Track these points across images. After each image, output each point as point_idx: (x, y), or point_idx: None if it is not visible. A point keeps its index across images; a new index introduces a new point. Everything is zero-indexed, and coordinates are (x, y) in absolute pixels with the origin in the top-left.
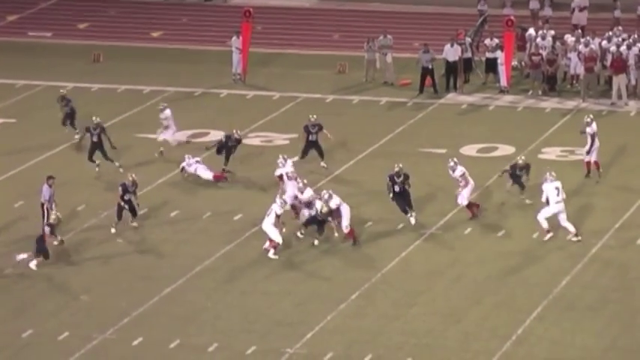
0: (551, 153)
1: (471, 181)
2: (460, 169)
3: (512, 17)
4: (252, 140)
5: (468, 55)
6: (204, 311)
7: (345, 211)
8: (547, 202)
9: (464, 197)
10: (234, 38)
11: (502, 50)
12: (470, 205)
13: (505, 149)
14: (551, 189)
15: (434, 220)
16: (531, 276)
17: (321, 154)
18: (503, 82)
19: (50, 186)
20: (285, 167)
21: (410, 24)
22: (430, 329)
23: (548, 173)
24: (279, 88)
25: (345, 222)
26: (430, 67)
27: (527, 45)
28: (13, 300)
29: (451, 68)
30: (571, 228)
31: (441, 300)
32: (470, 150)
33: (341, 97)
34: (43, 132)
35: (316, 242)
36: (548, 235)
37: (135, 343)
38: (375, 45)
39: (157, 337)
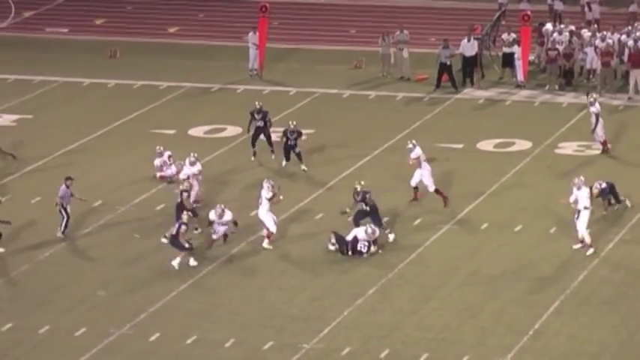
0: (567, 148)
1: (428, 167)
2: (417, 152)
3: (528, 12)
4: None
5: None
6: (220, 307)
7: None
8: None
9: (430, 184)
10: (250, 34)
11: (519, 45)
12: (438, 191)
13: (522, 144)
14: (583, 195)
15: (450, 216)
16: (548, 271)
17: (300, 158)
18: (520, 76)
19: (67, 187)
20: None
21: (426, 19)
22: (446, 324)
23: (577, 179)
24: (296, 84)
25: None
26: (448, 63)
27: (544, 40)
28: (30, 296)
29: (468, 63)
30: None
31: (458, 295)
32: (487, 145)
33: (357, 93)
34: (59, 128)
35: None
36: (590, 250)
37: (152, 338)
38: (389, 40)
39: (174, 333)
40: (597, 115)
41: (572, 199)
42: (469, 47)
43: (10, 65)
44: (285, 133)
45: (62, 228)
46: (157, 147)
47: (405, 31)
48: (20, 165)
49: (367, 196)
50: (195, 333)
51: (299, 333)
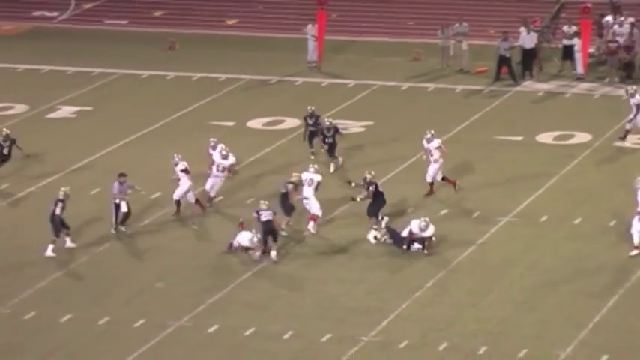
0: (626, 141)
1: (441, 160)
2: (437, 142)
3: (588, 4)
4: None
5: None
6: (279, 298)
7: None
8: None
9: (429, 175)
10: (309, 26)
11: (579, 37)
12: (432, 185)
13: (581, 137)
14: None
15: (509, 208)
16: (607, 263)
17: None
18: (580, 69)
19: (121, 183)
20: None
21: (485, 11)
22: (505, 317)
23: (638, 180)
24: (355, 76)
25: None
26: (507, 55)
27: (604, 32)
28: (89, 288)
29: (527, 56)
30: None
31: (516, 288)
32: (546, 138)
33: (416, 85)
34: (118, 120)
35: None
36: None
37: (210, 330)
38: (448, 32)
39: (232, 325)
40: (638, 107)
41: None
42: (528, 40)
43: (70, 57)
44: (322, 133)
45: (114, 223)
46: (211, 139)
47: (465, 23)
48: (80, 157)
49: (370, 187)
50: (253, 325)
51: (357, 325)
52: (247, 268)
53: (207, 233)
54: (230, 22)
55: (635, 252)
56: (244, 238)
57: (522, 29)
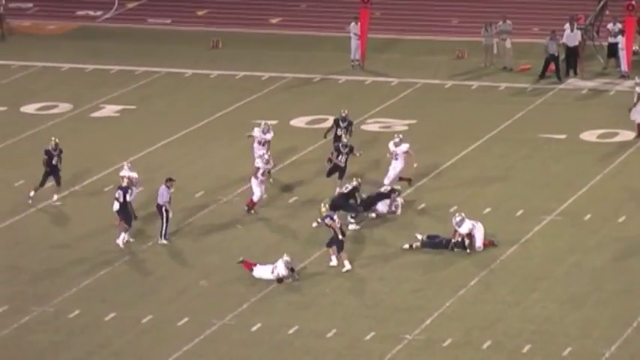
0: None
1: (402, 163)
2: (405, 146)
3: (633, 2)
4: (371, 126)
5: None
6: (322, 297)
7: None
8: None
9: (389, 177)
10: (352, 24)
11: (623, 35)
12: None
13: (626, 135)
14: None
15: (553, 207)
16: None
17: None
18: (624, 66)
19: (169, 187)
20: None
21: (528, 9)
22: (549, 316)
23: None
24: (398, 74)
25: (478, 243)
26: (557, 54)
27: None
28: (133, 286)
29: (571, 53)
30: None
31: (561, 286)
32: (590, 135)
33: (460, 83)
34: (161, 118)
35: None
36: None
37: (254, 328)
38: (492, 30)
39: (276, 323)
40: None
41: None
42: (572, 37)
43: (114, 56)
44: (337, 148)
45: (163, 232)
46: (264, 123)
47: (508, 21)
48: (123, 156)
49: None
50: (296, 323)
51: (401, 324)
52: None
53: (250, 232)
54: (273, 20)
55: None
56: (266, 272)
57: (566, 27)
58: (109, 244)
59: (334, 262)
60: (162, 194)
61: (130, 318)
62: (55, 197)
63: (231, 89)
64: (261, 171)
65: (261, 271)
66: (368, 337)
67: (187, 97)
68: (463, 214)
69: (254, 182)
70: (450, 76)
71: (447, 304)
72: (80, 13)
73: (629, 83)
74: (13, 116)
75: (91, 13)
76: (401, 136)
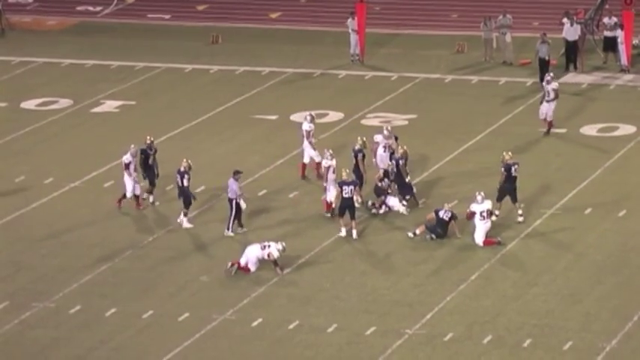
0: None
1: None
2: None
3: None
4: (371, 121)
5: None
6: (323, 292)
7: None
8: None
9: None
10: (349, 20)
11: (622, 29)
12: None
13: (626, 129)
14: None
15: (553, 201)
16: None
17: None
18: (624, 60)
19: (237, 180)
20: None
21: (528, 3)
22: (550, 310)
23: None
24: (398, 69)
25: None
26: (547, 57)
27: None
28: (134, 282)
29: (570, 48)
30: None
31: (561, 280)
32: (590, 130)
33: (459, 77)
34: (162, 114)
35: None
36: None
37: (254, 324)
38: (491, 24)
39: (276, 318)
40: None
41: None
42: (572, 31)
43: (113, 52)
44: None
45: (231, 224)
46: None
47: (508, 15)
48: (123, 151)
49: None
50: (297, 318)
51: (402, 318)
52: (292, 262)
53: (250, 227)
54: (273, 15)
55: None
56: (255, 249)
57: (565, 21)
58: (109, 239)
59: (343, 232)
60: (232, 187)
61: (131, 313)
62: (148, 197)
63: (231, 84)
64: (326, 167)
65: (252, 249)
66: (369, 332)
67: (187, 93)
68: (482, 193)
69: (330, 182)
70: (449, 70)
71: (447, 299)
72: (80, 8)
73: (628, 77)
74: (13, 112)
75: (91, 8)
76: (390, 127)
